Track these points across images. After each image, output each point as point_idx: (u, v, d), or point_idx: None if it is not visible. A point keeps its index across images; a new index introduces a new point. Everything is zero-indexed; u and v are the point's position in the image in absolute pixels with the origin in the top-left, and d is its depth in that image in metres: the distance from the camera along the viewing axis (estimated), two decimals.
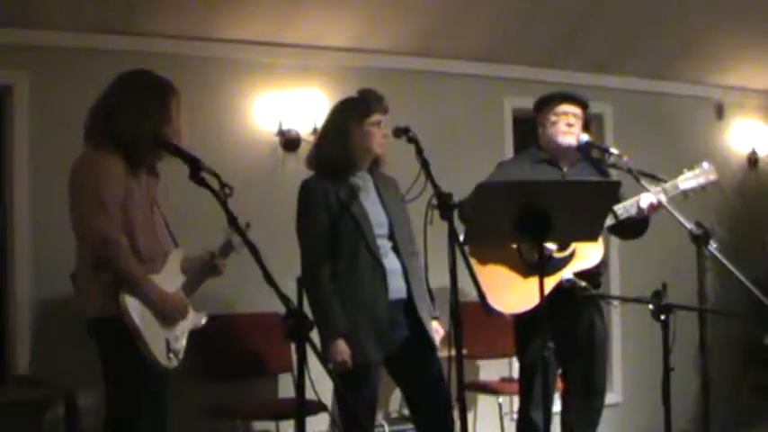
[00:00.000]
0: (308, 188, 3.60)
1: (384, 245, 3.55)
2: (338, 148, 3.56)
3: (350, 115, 3.60)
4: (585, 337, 3.80)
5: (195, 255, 3.34)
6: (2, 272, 4.52)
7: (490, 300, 3.47)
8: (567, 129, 3.79)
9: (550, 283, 3.47)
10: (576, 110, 3.83)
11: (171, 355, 3.09)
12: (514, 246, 3.65)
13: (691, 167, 3.68)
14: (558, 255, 3.64)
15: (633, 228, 3.75)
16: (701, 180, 3.65)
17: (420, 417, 3.66)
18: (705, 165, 3.67)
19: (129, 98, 3.09)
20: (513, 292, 3.61)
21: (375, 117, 3.59)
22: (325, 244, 3.51)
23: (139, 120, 3.06)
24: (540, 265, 3.06)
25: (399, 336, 3.54)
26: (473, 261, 3.57)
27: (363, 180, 3.61)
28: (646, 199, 3.62)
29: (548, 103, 3.86)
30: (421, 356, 3.57)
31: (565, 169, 3.86)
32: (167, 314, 3.08)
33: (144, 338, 2.98)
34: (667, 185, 3.62)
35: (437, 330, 3.60)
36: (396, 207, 3.62)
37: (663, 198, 3.55)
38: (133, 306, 2.97)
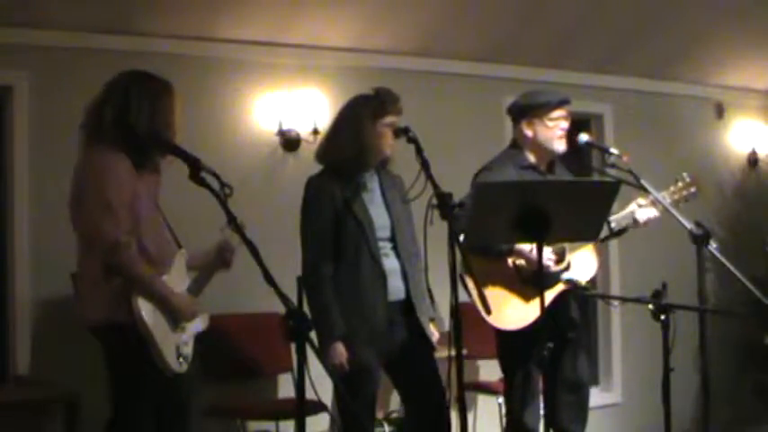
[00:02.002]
0: (314, 186, 3.56)
1: (385, 246, 3.54)
2: (351, 146, 3.50)
3: (365, 114, 3.52)
4: (572, 336, 3.80)
5: (200, 250, 3.32)
6: (2, 272, 4.52)
7: (492, 319, 3.47)
8: (563, 134, 3.74)
9: (546, 295, 3.45)
10: (566, 112, 3.78)
11: (180, 360, 3.09)
12: (511, 263, 3.65)
13: (675, 181, 3.70)
14: (555, 268, 3.63)
15: (619, 235, 3.76)
16: (684, 192, 3.69)
17: (414, 417, 3.66)
18: (686, 176, 3.71)
19: (140, 99, 3.05)
20: (513, 309, 3.60)
21: (389, 118, 3.51)
22: (327, 244, 3.48)
23: (152, 120, 3.03)
24: (540, 267, 3.06)
25: (398, 337, 3.55)
26: (470, 280, 3.58)
27: (369, 180, 3.60)
28: (643, 213, 3.63)
29: (540, 108, 3.75)
30: (418, 357, 3.58)
31: (544, 170, 3.80)
32: (180, 314, 3.06)
33: (156, 343, 2.96)
34: (658, 198, 3.62)
35: (433, 333, 3.60)
36: (399, 207, 3.60)
37: (656, 212, 3.58)
38: (145, 310, 2.95)
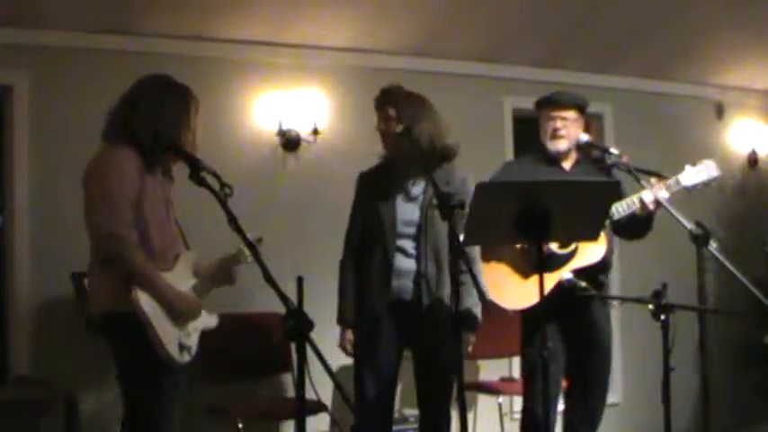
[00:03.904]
0: (358, 179, 3.79)
1: (406, 244, 3.58)
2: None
3: None
4: (589, 338, 3.81)
5: (204, 263, 3.35)
6: (2, 272, 4.52)
7: (495, 296, 3.54)
8: (553, 133, 3.82)
9: (552, 279, 3.47)
10: (564, 113, 3.82)
11: (183, 351, 3.10)
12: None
13: (693, 163, 3.68)
14: (560, 251, 3.64)
15: (638, 226, 3.75)
16: (704, 176, 3.65)
17: (421, 417, 3.74)
18: (707, 161, 3.68)
19: (151, 100, 3.11)
20: (517, 289, 3.63)
21: (378, 114, 3.68)
22: (355, 235, 3.71)
23: (158, 122, 3.07)
24: (540, 265, 3.06)
25: (403, 337, 3.62)
26: (479, 258, 3.62)
27: (410, 177, 3.63)
28: (648, 195, 3.62)
29: (538, 107, 3.93)
30: (425, 358, 3.64)
31: (567, 169, 3.87)
32: (178, 310, 3.07)
33: (156, 332, 2.98)
34: (670, 182, 3.62)
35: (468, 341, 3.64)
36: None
37: (666, 195, 3.56)
38: (145, 301, 2.97)
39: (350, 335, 3.68)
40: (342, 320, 3.70)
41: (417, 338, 3.61)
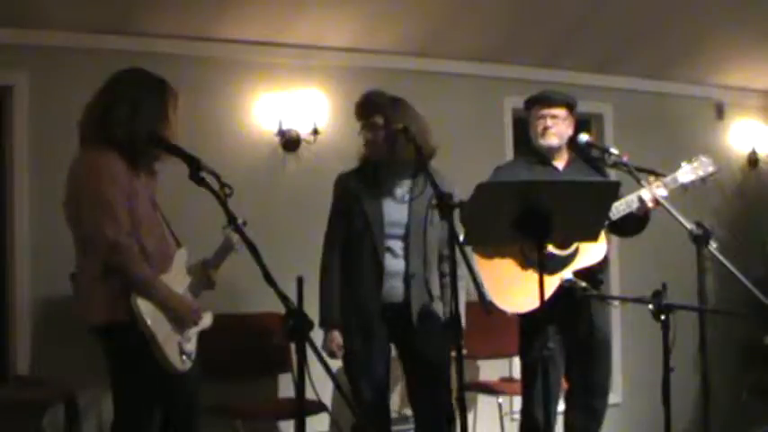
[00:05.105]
0: (336, 180, 3.76)
1: (395, 244, 3.58)
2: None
3: None
4: (588, 337, 3.81)
5: (191, 263, 3.33)
6: (2, 272, 4.52)
7: (495, 299, 3.53)
8: (544, 131, 3.85)
9: (553, 281, 3.47)
10: (553, 111, 3.86)
11: (184, 358, 3.08)
12: (518, 246, 3.66)
13: (688, 161, 3.69)
14: (560, 252, 3.64)
15: (633, 224, 3.75)
16: (700, 172, 3.67)
17: (417, 418, 3.74)
18: (703, 158, 3.69)
19: (122, 97, 3.03)
20: (517, 292, 3.62)
21: (361, 122, 3.70)
22: (336, 235, 3.66)
23: (130, 119, 2.99)
24: (540, 266, 3.06)
25: (395, 338, 3.63)
26: (477, 260, 3.61)
27: (394, 179, 3.64)
28: (647, 194, 3.63)
29: (527, 106, 3.95)
30: (417, 361, 3.64)
31: (561, 168, 3.88)
32: (181, 317, 3.06)
33: (158, 342, 2.96)
34: (667, 179, 3.63)
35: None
36: (428, 211, 3.61)
37: (664, 192, 3.56)
38: (146, 310, 2.94)
39: (337, 336, 3.59)
40: (325, 321, 3.59)
41: (407, 339, 3.61)
